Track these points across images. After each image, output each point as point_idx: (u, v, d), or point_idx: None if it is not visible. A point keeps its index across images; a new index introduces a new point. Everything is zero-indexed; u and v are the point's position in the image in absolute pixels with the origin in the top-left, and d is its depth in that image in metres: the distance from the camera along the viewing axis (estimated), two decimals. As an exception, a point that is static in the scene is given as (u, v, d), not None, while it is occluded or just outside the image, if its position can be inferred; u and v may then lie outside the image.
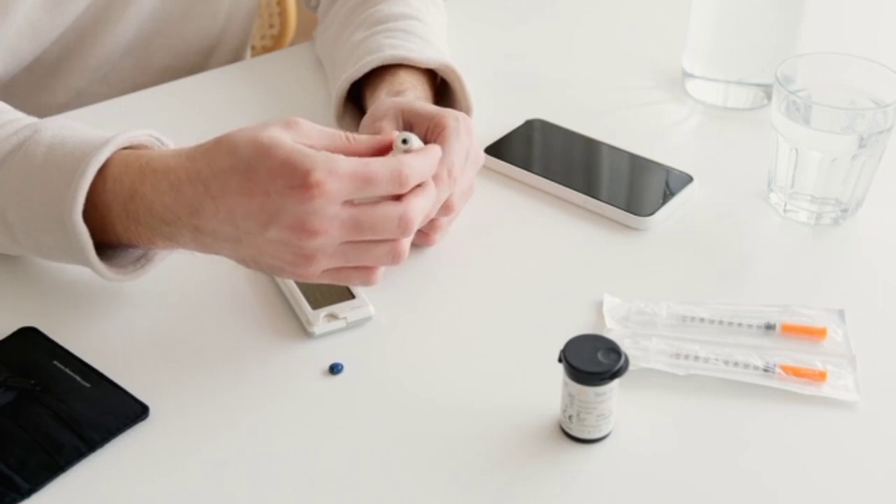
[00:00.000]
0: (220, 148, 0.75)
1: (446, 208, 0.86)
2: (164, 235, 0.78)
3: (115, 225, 0.79)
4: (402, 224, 0.76)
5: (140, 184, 0.78)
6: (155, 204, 0.77)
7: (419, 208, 0.77)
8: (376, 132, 0.89)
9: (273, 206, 0.73)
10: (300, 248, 0.74)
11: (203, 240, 0.77)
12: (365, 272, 0.78)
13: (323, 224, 0.73)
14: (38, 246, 0.82)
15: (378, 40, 1.00)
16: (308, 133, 0.76)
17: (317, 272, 0.77)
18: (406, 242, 0.78)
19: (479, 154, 0.90)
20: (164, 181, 0.77)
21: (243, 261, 0.78)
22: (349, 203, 0.74)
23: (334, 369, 0.80)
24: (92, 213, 0.78)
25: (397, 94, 0.95)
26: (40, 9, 1.02)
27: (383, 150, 0.78)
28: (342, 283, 0.81)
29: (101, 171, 0.78)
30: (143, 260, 0.83)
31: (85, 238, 0.78)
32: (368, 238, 0.76)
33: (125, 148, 0.80)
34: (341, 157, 0.74)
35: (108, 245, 0.81)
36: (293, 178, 0.72)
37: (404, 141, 0.81)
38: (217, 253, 0.78)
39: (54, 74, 1.11)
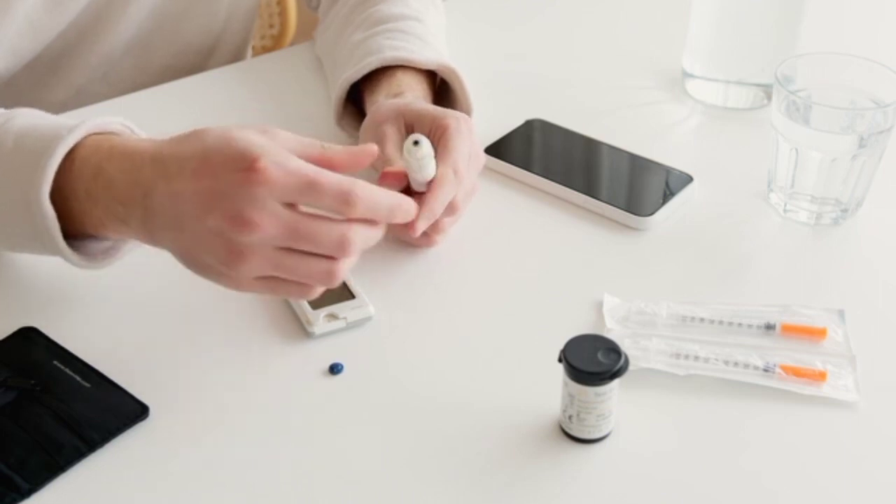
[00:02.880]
0: (190, 136, 0.75)
1: (451, 209, 0.86)
2: (117, 217, 0.77)
3: (72, 209, 0.78)
4: (342, 243, 0.73)
5: (106, 162, 0.77)
6: (115, 183, 0.76)
7: (363, 235, 0.75)
8: (379, 136, 0.89)
9: (217, 189, 0.72)
10: (234, 244, 0.72)
11: (150, 225, 0.75)
12: (298, 288, 0.76)
13: (261, 216, 0.71)
14: (5, 235, 0.81)
15: (378, 41, 1.00)
16: (282, 139, 0.75)
17: (248, 275, 0.74)
18: (344, 266, 0.75)
19: (480, 155, 0.90)
20: (128, 161, 0.76)
21: (182, 255, 0.76)
22: (293, 207, 0.73)
23: (334, 369, 0.80)
24: (57, 196, 0.77)
25: (395, 95, 0.95)
26: (41, 7, 1.02)
27: (359, 160, 0.77)
28: (273, 294, 0.78)
29: (70, 154, 0.78)
30: (111, 251, 0.83)
31: (51, 219, 0.77)
32: (305, 248, 0.74)
33: (97, 133, 0.80)
34: (295, 157, 0.73)
35: (71, 235, 0.80)
36: (241, 163, 0.72)
37: (416, 143, 0.81)
38: (160, 243, 0.76)
39: (54, 73, 1.11)
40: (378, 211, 0.75)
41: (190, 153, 0.74)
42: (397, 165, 0.86)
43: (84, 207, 0.78)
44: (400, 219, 0.78)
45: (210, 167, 0.73)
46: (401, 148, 0.88)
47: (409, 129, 0.89)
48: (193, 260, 0.76)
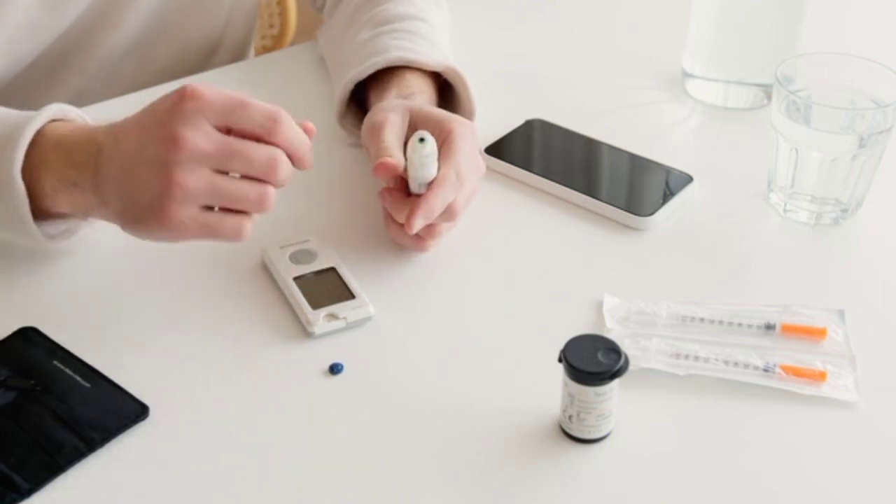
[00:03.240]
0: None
1: (449, 213, 0.86)
2: (69, 181, 0.80)
3: (29, 180, 0.80)
4: (272, 162, 0.77)
5: (68, 133, 0.81)
6: (72, 150, 0.80)
7: (285, 161, 0.78)
8: (381, 120, 0.89)
9: (153, 120, 0.77)
10: (170, 169, 0.75)
11: (99, 180, 0.78)
12: (233, 223, 0.78)
13: (193, 133, 0.75)
14: None
15: (384, 41, 1.00)
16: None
17: (186, 210, 0.76)
18: (273, 191, 0.78)
19: (481, 163, 0.90)
20: (86, 132, 0.81)
21: (124, 208, 0.78)
22: (224, 132, 0.77)
23: (334, 369, 0.80)
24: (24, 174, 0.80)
25: (406, 97, 0.95)
26: (40, 9, 1.02)
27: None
28: (210, 236, 0.79)
29: (34, 136, 0.81)
30: (66, 232, 0.85)
31: (22, 196, 0.79)
32: (237, 168, 0.77)
33: (57, 120, 0.83)
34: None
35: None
36: (174, 93, 0.77)
37: (421, 140, 0.82)
38: (107, 202, 0.79)
39: (55, 75, 1.11)
40: (298, 140, 0.80)
41: (139, 111, 0.80)
42: (393, 157, 0.86)
43: (37, 175, 0.80)
44: (307, 162, 0.81)
45: (149, 110, 0.79)
46: (400, 137, 0.88)
47: (414, 129, 0.90)
48: (134, 208, 0.77)
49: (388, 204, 0.88)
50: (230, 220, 0.78)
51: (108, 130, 0.80)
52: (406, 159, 0.86)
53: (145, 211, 0.77)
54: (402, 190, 0.88)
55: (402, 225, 0.87)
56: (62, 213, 0.83)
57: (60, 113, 0.83)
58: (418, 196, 0.85)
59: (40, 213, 0.82)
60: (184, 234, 0.78)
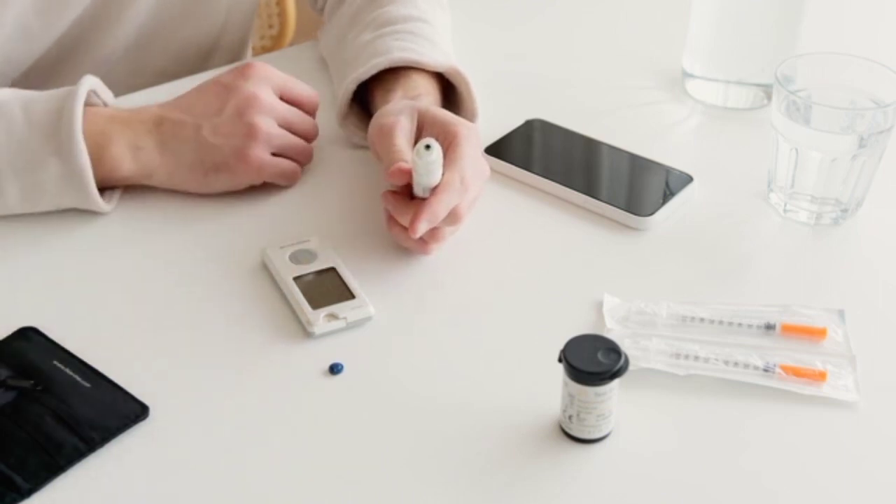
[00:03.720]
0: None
1: (453, 217, 0.86)
2: (133, 146, 0.92)
3: (91, 150, 0.90)
4: (313, 128, 0.98)
5: (117, 111, 0.94)
6: (131, 121, 0.93)
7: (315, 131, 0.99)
8: (392, 124, 0.89)
9: (224, 90, 0.93)
10: (250, 122, 0.91)
11: (166, 143, 0.93)
12: (293, 166, 0.96)
13: (266, 94, 0.93)
14: (27, 187, 0.90)
15: (386, 42, 1.00)
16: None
17: (264, 152, 0.93)
18: (309, 148, 0.98)
19: (485, 167, 0.90)
20: (136, 108, 0.95)
21: (197, 162, 0.93)
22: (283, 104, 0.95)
23: (334, 369, 0.80)
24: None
25: (413, 98, 0.95)
26: (33, 13, 1.02)
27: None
28: (278, 173, 0.95)
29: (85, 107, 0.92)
30: (108, 193, 0.94)
31: (85, 159, 0.89)
32: (293, 124, 0.96)
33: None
34: None
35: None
36: (236, 67, 0.95)
37: (427, 147, 0.82)
38: (174, 161, 0.93)
39: (51, 79, 1.10)
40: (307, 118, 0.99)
41: (191, 90, 0.96)
42: (407, 161, 0.86)
43: (95, 143, 0.90)
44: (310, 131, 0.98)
45: (210, 82, 0.95)
46: (410, 140, 0.88)
47: (420, 130, 0.90)
48: (216, 156, 0.92)
49: (391, 206, 0.88)
50: (291, 164, 0.96)
51: (160, 106, 0.94)
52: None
53: (229, 156, 0.92)
54: (406, 193, 0.87)
55: (404, 227, 0.87)
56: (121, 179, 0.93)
57: (96, 84, 0.94)
58: (422, 199, 0.85)
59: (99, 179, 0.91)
60: (260, 171, 0.94)
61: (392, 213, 0.88)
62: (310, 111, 0.98)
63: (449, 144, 0.87)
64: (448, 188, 0.85)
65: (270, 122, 0.93)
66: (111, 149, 0.91)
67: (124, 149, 0.92)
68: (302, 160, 0.97)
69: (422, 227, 0.84)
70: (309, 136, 0.98)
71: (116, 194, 0.94)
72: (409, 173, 0.85)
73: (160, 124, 0.93)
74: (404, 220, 0.86)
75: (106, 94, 0.96)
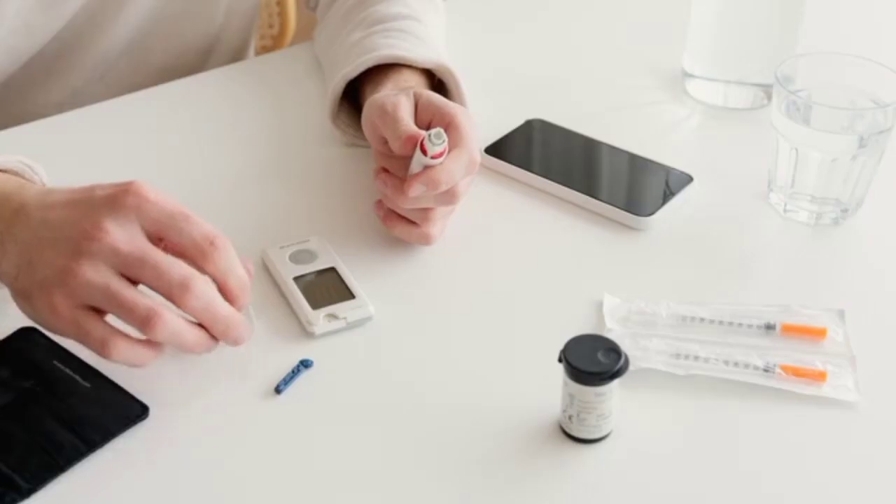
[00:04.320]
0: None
1: (451, 195, 0.86)
2: None
3: None
4: (183, 283, 0.72)
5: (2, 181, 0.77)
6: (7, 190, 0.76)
7: (204, 288, 0.73)
8: (395, 101, 0.88)
9: (88, 200, 0.73)
10: (80, 248, 0.71)
11: (5, 240, 0.75)
12: (105, 332, 0.72)
13: (116, 231, 0.71)
14: None
15: (375, 40, 1.00)
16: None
17: (69, 301, 0.72)
18: (170, 318, 0.72)
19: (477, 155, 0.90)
20: (21, 183, 0.78)
21: (15, 277, 0.74)
22: (153, 241, 0.73)
23: (302, 366, 0.80)
24: None
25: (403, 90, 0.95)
26: (35, 7, 1.02)
27: None
28: (77, 335, 0.73)
29: None
30: None
31: None
32: (146, 279, 0.72)
33: None
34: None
35: None
36: (118, 184, 0.73)
37: (436, 136, 0.81)
38: (4, 262, 0.75)
39: (51, 74, 1.10)
40: (234, 273, 0.75)
41: (77, 187, 0.75)
42: (411, 129, 0.86)
43: None
44: (241, 300, 0.76)
45: (89, 188, 0.74)
46: (412, 116, 0.88)
47: (416, 112, 0.89)
48: (27, 280, 0.73)
49: (389, 187, 0.87)
50: (102, 329, 0.72)
51: (40, 191, 0.77)
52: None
53: (35, 287, 0.73)
54: (402, 180, 0.87)
55: (402, 218, 0.87)
56: None
57: (11, 165, 0.81)
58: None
59: None
60: (57, 325, 0.73)
61: (389, 191, 0.87)
62: (200, 257, 0.74)
63: (447, 126, 0.87)
64: (455, 157, 0.84)
65: (102, 270, 0.71)
66: None
67: None
68: (140, 325, 0.71)
69: (416, 189, 0.83)
70: (177, 295, 0.72)
71: None
72: (419, 141, 0.84)
73: (19, 210, 0.75)
74: (401, 199, 0.85)
75: (40, 171, 0.84)
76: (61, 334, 0.75)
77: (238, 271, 0.75)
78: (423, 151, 0.84)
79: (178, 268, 0.72)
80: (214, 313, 0.74)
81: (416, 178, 0.84)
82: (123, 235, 0.72)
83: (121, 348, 0.72)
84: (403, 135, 0.86)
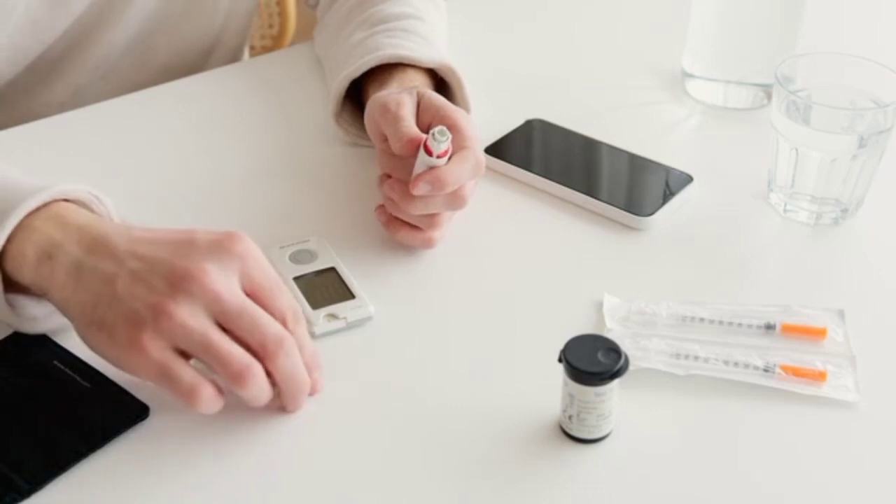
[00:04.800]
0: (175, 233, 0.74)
1: (457, 198, 0.86)
2: (44, 252, 0.73)
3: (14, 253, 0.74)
4: (278, 342, 0.72)
5: (84, 214, 0.76)
6: (82, 226, 0.74)
7: (289, 350, 0.73)
8: (399, 100, 0.88)
9: (187, 238, 0.72)
10: (173, 293, 0.69)
11: (89, 252, 0.73)
12: (196, 382, 0.70)
13: (218, 275, 0.70)
14: None
15: (378, 40, 1.00)
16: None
17: (160, 342, 0.69)
18: (260, 373, 0.72)
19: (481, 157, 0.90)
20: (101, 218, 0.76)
21: (90, 308, 0.72)
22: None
23: None
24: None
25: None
26: (42, 6, 1.03)
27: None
28: (165, 384, 0.71)
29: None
30: (53, 314, 0.78)
31: None
32: (242, 327, 0.71)
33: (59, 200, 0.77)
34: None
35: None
36: (225, 231, 0.73)
37: (440, 134, 0.82)
38: (73, 294, 0.72)
39: (55, 72, 1.11)
40: (306, 349, 0.75)
41: (172, 228, 0.74)
42: (412, 132, 0.86)
43: (23, 236, 0.74)
44: (300, 403, 0.76)
45: (188, 231, 0.73)
46: (415, 115, 0.88)
47: (418, 112, 0.89)
48: (107, 312, 0.71)
49: (395, 190, 0.87)
50: (190, 376, 0.70)
51: (121, 225, 0.75)
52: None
53: (119, 320, 0.70)
54: (406, 184, 0.87)
55: (405, 223, 0.87)
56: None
57: (61, 194, 0.77)
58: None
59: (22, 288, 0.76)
60: (137, 363, 0.70)
61: (395, 197, 0.87)
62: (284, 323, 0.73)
63: (450, 128, 0.86)
64: (461, 159, 0.84)
65: (199, 315, 0.70)
66: (24, 246, 0.74)
67: (35, 250, 0.74)
68: (232, 378, 0.70)
69: (421, 188, 0.83)
70: (270, 353, 0.71)
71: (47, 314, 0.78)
72: (420, 144, 0.84)
73: (94, 246, 0.73)
74: (406, 203, 0.85)
75: (108, 203, 0.80)
76: (138, 372, 0.71)
77: (313, 348, 0.76)
78: (428, 151, 0.84)
79: (274, 326, 0.72)
80: (299, 379, 0.74)
81: (421, 178, 0.84)
82: (225, 283, 0.71)
83: (206, 398, 0.71)
84: (404, 136, 0.86)
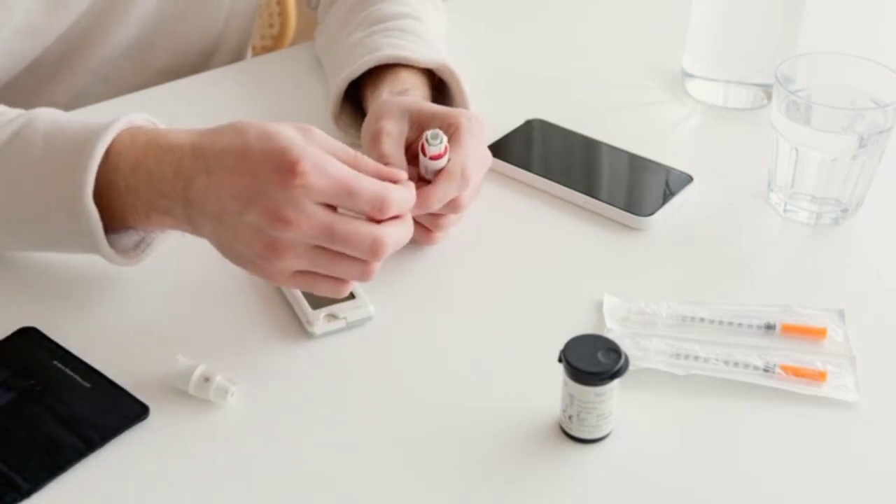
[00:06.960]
0: (229, 129, 0.78)
1: (455, 206, 0.86)
2: (159, 209, 0.79)
3: (112, 203, 0.79)
4: (374, 247, 0.76)
5: (144, 157, 0.79)
6: (155, 176, 0.78)
7: (394, 238, 0.78)
8: (377, 132, 0.88)
9: (257, 187, 0.74)
10: (271, 238, 0.75)
11: (191, 214, 0.77)
12: (334, 283, 0.79)
13: (297, 216, 0.74)
14: (37, 236, 0.82)
15: (376, 40, 1.00)
16: (319, 140, 0.77)
17: (285, 270, 0.77)
18: (376, 266, 0.78)
19: (487, 154, 0.90)
20: (168, 155, 0.78)
21: (221, 246, 0.79)
22: (329, 208, 0.76)
23: None
24: (95, 193, 0.78)
25: (400, 93, 0.94)
26: (40, 9, 1.02)
27: (385, 178, 0.79)
28: (310, 290, 0.80)
29: (106, 150, 0.79)
30: (142, 245, 0.84)
31: (95, 220, 0.78)
32: (339, 249, 0.76)
33: (128, 129, 0.81)
34: (334, 160, 0.76)
35: (108, 230, 0.80)
36: (281, 163, 0.74)
37: (434, 136, 0.82)
38: (201, 232, 0.79)
39: (55, 75, 1.11)
40: (405, 208, 0.79)
41: (229, 146, 0.76)
42: (392, 167, 0.86)
43: (126, 200, 0.79)
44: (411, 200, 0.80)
45: (250, 164, 0.75)
46: (399, 142, 0.88)
47: (417, 127, 0.89)
48: (232, 251, 0.78)
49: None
50: (329, 283, 0.79)
51: (193, 163, 0.77)
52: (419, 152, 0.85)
53: (245, 261, 0.78)
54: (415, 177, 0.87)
55: None
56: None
57: (127, 123, 0.81)
58: (427, 182, 0.85)
59: (117, 226, 0.81)
60: (281, 285, 0.81)
61: None
62: (378, 216, 0.77)
63: (451, 136, 0.87)
64: (447, 178, 0.85)
65: (301, 248, 0.76)
66: (138, 206, 0.79)
67: (149, 209, 0.79)
68: (357, 277, 0.78)
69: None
70: (371, 256, 0.77)
71: (150, 246, 0.84)
72: (396, 177, 0.83)
73: (188, 188, 0.77)
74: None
75: (142, 121, 0.84)
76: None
77: (410, 205, 0.80)
78: (424, 154, 0.84)
79: (363, 233, 0.76)
80: (397, 243, 0.79)
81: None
82: (305, 220, 0.75)
83: (348, 286, 0.79)
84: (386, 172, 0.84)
